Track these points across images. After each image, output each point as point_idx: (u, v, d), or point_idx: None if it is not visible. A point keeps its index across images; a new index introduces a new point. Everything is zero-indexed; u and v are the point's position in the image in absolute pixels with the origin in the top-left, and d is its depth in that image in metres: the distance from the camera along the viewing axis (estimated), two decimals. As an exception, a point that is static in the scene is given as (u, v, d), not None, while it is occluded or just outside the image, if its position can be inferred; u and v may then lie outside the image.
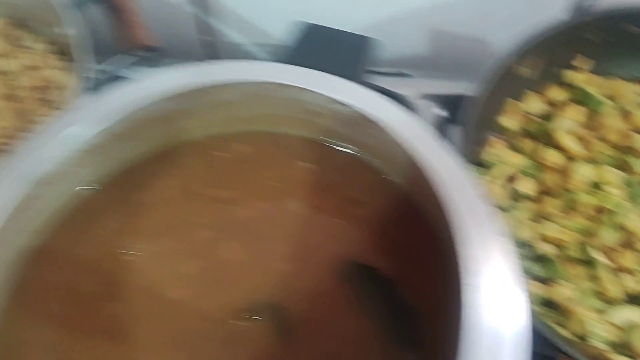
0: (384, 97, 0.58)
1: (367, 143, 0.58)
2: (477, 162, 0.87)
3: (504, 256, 0.48)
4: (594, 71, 0.91)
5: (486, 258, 0.47)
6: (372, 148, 0.57)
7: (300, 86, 0.62)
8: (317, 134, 0.70)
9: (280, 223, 0.69)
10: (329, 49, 0.76)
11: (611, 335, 0.71)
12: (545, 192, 0.82)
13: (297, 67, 0.61)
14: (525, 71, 0.88)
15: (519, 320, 0.44)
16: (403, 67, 1.12)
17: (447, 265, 0.48)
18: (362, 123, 0.56)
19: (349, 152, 0.71)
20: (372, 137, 0.56)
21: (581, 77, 0.89)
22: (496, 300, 0.44)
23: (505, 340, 0.43)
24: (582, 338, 0.71)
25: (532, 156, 0.85)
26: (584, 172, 0.79)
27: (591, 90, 0.86)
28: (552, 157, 0.82)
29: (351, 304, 0.64)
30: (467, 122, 0.75)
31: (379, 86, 1.01)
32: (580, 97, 0.87)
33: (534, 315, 0.71)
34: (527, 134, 0.88)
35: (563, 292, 0.73)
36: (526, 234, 0.78)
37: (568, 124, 0.84)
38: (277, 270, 0.66)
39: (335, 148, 0.72)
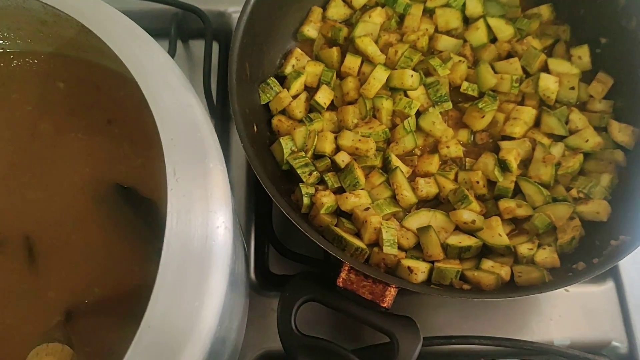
0: (100, 1, 0.61)
1: (103, 50, 0.61)
2: (281, 76, 0.92)
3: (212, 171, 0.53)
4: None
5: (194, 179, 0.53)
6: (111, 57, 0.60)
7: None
8: (63, 47, 0.72)
9: (33, 149, 0.72)
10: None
11: (405, 241, 0.79)
12: (348, 101, 0.89)
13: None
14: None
15: (215, 226, 0.51)
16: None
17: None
18: (87, 32, 0.59)
19: (101, 64, 0.73)
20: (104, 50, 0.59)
21: (386, -23, 0.96)
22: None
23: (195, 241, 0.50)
24: (377, 245, 0.78)
25: (332, 64, 0.91)
26: (380, 77, 0.87)
27: (394, -10, 0.93)
28: (350, 62, 0.89)
29: (106, 227, 0.68)
30: (236, 35, 0.81)
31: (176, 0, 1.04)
32: (385, 0, 0.94)
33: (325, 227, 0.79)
34: (332, 42, 0.94)
35: (359, 202, 0.80)
36: (325, 145, 0.84)
37: (369, 27, 0.92)
38: (29, 200, 0.70)
39: (88, 62, 0.74)
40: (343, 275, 0.73)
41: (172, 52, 1.04)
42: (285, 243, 0.92)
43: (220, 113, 1.03)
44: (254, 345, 0.87)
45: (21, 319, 0.64)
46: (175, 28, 1.06)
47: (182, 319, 0.49)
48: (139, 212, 0.69)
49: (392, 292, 0.72)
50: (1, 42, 0.74)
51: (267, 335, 0.88)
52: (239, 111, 0.81)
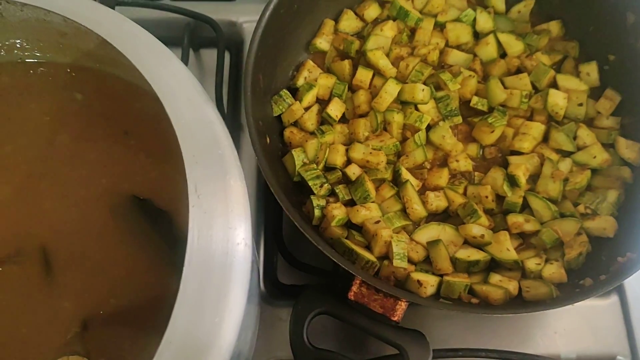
0: (123, 17, 0.62)
1: (123, 63, 0.62)
2: (294, 88, 0.93)
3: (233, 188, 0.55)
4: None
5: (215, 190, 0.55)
6: (130, 70, 0.61)
7: (44, 7, 0.64)
8: (81, 59, 0.73)
9: (50, 159, 0.73)
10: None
11: (415, 254, 0.80)
12: (359, 114, 0.90)
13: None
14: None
15: (236, 242, 0.53)
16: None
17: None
18: (107, 45, 0.60)
19: (119, 76, 0.74)
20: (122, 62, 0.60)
21: (398, -9, 0.97)
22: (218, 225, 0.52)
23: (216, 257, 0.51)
24: (387, 258, 0.79)
25: (344, 77, 0.92)
26: (391, 91, 0.88)
27: (405, 5, 0.94)
28: (361, 75, 0.90)
29: (123, 238, 0.69)
30: (252, 47, 0.82)
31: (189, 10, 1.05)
32: (396, 13, 0.95)
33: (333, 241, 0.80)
34: (343, 55, 0.95)
35: (369, 215, 0.81)
36: (336, 158, 0.85)
37: (381, 41, 0.93)
38: (46, 210, 0.71)
39: (106, 73, 0.75)
40: (354, 288, 0.74)
41: (184, 61, 1.05)
42: (294, 254, 0.92)
43: (231, 122, 1.04)
44: (263, 354, 0.88)
45: (37, 329, 0.65)
46: (188, 37, 1.07)
47: (202, 335, 0.50)
48: (155, 224, 0.70)
49: (402, 306, 0.73)
50: (20, 52, 0.74)
51: (276, 344, 0.89)
52: (254, 124, 0.82)
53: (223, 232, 0.54)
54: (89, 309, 0.66)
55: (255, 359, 0.87)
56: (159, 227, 0.71)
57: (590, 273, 0.80)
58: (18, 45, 0.73)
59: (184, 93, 0.60)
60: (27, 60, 0.75)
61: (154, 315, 0.57)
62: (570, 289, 0.79)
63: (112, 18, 0.63)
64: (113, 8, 0.73)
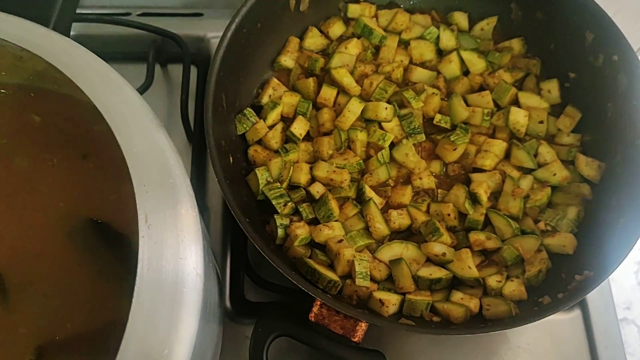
0: (75, 45, 0.62)
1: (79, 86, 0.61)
2: (258, 106, 0.93)
3: (184, 217, 0.55)
4: (380, 5, 1.00)
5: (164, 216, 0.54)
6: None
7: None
8: (38, 80, 0.72)
9: (7, 183, 0.72)
10: None
11: (377, 272, 0.81)
12: (323, 132, 0.90)
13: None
14: (305, 6, 0.95)
15: (186, 272, 0.53)
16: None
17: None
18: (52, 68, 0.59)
19: (77, 99, 0.74)
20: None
21: (362, 9, 0.97)
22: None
23: (166, 288, 0.51)
24: (350, 277, 0.80)
25: (309, 95, 0.92)
26: (355, 110, 0.88)
27: (370, 22, 0.95)
28: (326, 93, 0.90)
29: (80, 262, 0.68)
30: (213, 66, 0.82)
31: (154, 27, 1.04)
32: (361, 31, 0.95)
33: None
34: (308, 72, 0.95)
35: (332, 234, 0.82)
36: (300, 176, 0.85)
37: (346, 58, 0.93)
38: (1, 234, 0.69)
39: (64, 95, 0.74)
40: (315, 310, 0.74)
41: (150, 77, 1.04)
42: (260, 272, 0.92)
43: (198, 138, 1.04)
44: (228, 373, 0.88)
45: (-8, 355, 0.64)
46: (154, 53, 1.06)
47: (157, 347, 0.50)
48: (112, 248, 0.70)
49: (362, 327, 0.73)
50: (-24, 75, 0.74)
51: (241, 361, 0.89)
52: (215, 145, 0.81)
53: (173, 262, 0.54)
54: (45, 334, 0.65)
55: (219, 379, 0.86)
56: (116, 250, 0.70)
57: (550, 291, 0.81)
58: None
59: (135, 122, 0.60)
60: (-22, 81, 0.74)
61: (110, 340, 0.56)
62: (530, 307, 0.79)
63: (64, 46, 0.63)
64: (68, 33, 0.72)
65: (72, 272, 0.70)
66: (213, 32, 1.12)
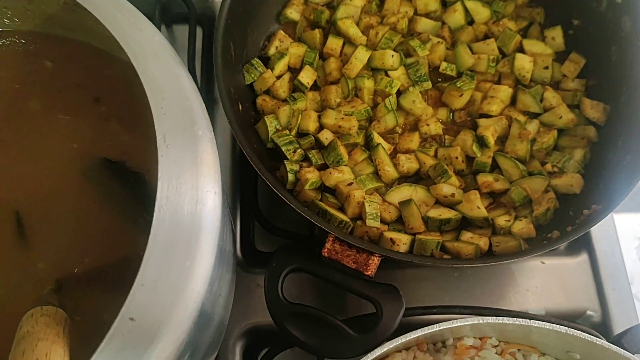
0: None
1: (92, 28, 0.62)
2: (265, 57, 0.94)
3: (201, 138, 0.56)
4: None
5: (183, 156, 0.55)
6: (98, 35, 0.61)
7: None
8: (49, 25, 0.73)
9: (21, 126, 0.73)
10: None
11: (387, 214, 0.82)
12: (330, 81, 0.91)
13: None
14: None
15: (205, 190, 0.54)
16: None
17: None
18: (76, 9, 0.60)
19: (89, 43, 0.74)
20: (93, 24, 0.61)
21: (366, -39, 0.98)
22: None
23: (186, 205, 0.53)
24: (360, 219, 0.81)
25: (315, 46, 0.93)
26: (361, 57, 0.89)
27: (374, -26, 0.95)
28: (332, 44, 0.91)
29: (96, 200, 0.69)
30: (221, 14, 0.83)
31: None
32: (365, -18, 0.96)
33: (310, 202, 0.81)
34: (314, 24, 0.96)
35: (342, 177, 0.83)
36: (309, 124, 0.86)
37: (351, 10, 0.94)
38: (18, 175, 0.71)
39: (76, 41, 0.75)
40: (328, 245, 0.75)
41: (156, 36, 1.04)
42: (270, 220, 0.93)
43: (205, 96, 1.04)
44: (241, 319, 0.88)
45: (12, 289, 0.65)
46: (160, 12, 1.07)
47: (174, 278, 0.51)
48: (127, 186, 0.71)
49: (375, 261, 0.74)
50: (-12, 21, 0.74)
51: (254, 310, 0.89)
52: (225, 90, 0.82)
53: (192, 181, 0.55)
54: (63, 268, 0.66)
55: (233, 323, 0.87)
56: (131, 188, 0.71)
57: (559, 227, 0.82)
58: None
59: (151, 48, 0.60)
60: (-8, 26, 0.75)
61: (127, 273, 0.57)
62: (539, 242, 0.81)
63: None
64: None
65: (88, 209, 0.71)
66: (217, -8, 1.13)
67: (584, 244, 0.96)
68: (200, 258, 0.53)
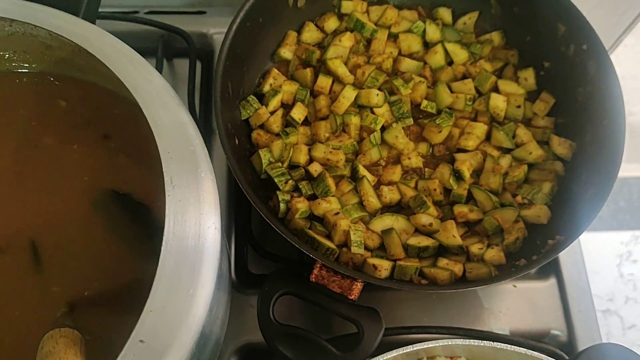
0: (103, 31, 0.70)
1: (102, 72, 0.69)
2: (260, 94, 1.01)
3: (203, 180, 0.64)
4: (371, 1, 1.09)
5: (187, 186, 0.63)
6: (110, 78, 0.68)
7: (31, 22, 0.71)
8: (64, 68, 0.80)
9: (37, 160, 0.80)
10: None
11: (371, 242, 0.89)
12: (320, 117, 0.98)
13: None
14: (302, 3, 1.04)
15: (207, 226, 0.62)
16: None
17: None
18: (89, 56, 0.67)
19: (100, 85, 0.81)
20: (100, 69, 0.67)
21: (355, 5, 1.06)
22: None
23: (190, 238, 0.60)
24: (346, 246, 0.88)
25: (307, 84, 1.00)
26: (349, 96, 0.97)
27: (362, 17, 1.03)
28: (322, 82, 0.99)
29: (105, 228, 0.76)
30: (220, 56, 0.91)
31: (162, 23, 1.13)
32: (354, 25, 1.04)
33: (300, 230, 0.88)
34: (305, 63, 1.03)
35: (330, 207, 0.90)
36: (300, 156, 0.93)
37: (340, 50, 1.02)
38: (33, 205, 0.78)
39: (88, 82, 0.82)
40: (315, 271, 0.82)
41: (159, 69, 1.12)
42: (263, 245, 1.00)
43: (203, 127, 1.12)
44: (235, 337, 0.95)
45: (28, 311, 0.72)
46: (162, 48, 1.14)
47: (179, 305, 0.58)
48: (134, 216, 0.77)
49: (358, 286, 0.81)
50: (8, 64, 0.81)
51: (246, 328, 0.96)
52: (223, 125, 0.89)
53: (195, 218, 0.62)
54: (76, 291, 0.73)
55: (227, 340, 0.94)
56: (138, 218, 0.78)
57: (526, 255, 0.89)
58: (7, 57, 0.80)
59: (159, 98, 0.68)
60: (14, 70, 0.82)
61: (134, 296, 0.63)
62: (507, 269, 0.88)
63: (94, 32, 0.71)
64: (94, 22, 0.80)
65: (98, 237, 0.78)
66: (216, 28, 1.20)
67: (552, 269, 1.04)
68: (202, 287, 0.60)
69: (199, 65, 1.18)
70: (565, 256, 1.05)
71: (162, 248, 0.59)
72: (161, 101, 0.66)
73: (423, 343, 0.70)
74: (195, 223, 0.61)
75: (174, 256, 0.59)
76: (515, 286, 1.02)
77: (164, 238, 0.59)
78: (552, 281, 1.03)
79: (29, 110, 0.82)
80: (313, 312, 0.95)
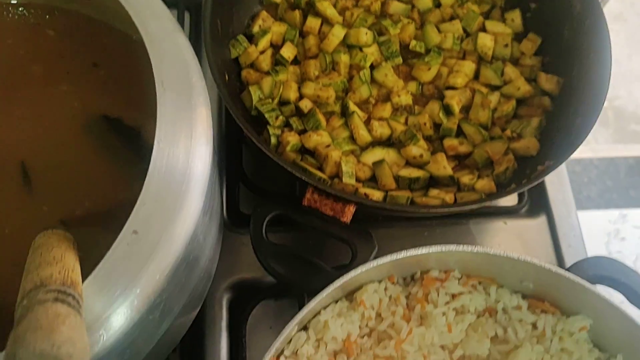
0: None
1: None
2: (249, 35, 1.01)
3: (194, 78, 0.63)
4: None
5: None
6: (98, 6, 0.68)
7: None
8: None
9: (26, 87, 0.79)
10: None
11: (362, 173, 0.89)
12: (309, 56, 0.98)
13: None
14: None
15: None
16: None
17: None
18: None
19: (90, 16, 0.81)
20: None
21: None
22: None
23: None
24: (337, 177, 0.88)
25: (296, 25, 1.01)
26: (338, 34, 0.97)
27: (349, -40, 1.04)
28: (311, 23, 0.99)
29: (95, 151, 0.76)
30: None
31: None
32: (341, -32, 1.04)
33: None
34: (294, 6, 1.04)
35: (321, 139, 0.90)
36: (290, 93, 0.93)
37: (328, -8, 1.02)
38: (23, 130, 0.77)
39: (78, 13, 0.82)
40: (307, 195, 0.82)
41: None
42: (254, 182, 1.00)
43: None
44: (227, 275, 0.95)
45: (19, 228, 0.71)
46: (150, -2, 1.14)
47: (170, 201, 0.58)
48: (124, 139, 0.77)
49: (350, 209, 0.81)
50: (-3, -6, 0.81)
51: (238, 266, 0.95)
52: (213, 61, 0.89)
53: (187, 120, 0.62)
54: (66, 211, 0.72)
55: (219, 278, 0.93)
56: (128, 141, 0.78)
57: (516, 182, 0.91)
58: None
59: (150, 9, 0.68)
60: (2, 1, 0.82)
61: (124, 214, 0.63)
62: (497, 195, 0.89)
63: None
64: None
65: (88, 159, 0.77)
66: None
67: (543, 207, 1.04)
68: (193, 185, 0.60)
69: (187, 16, 1.18)
70: (554, 194, 1.06)
71: (154, 150, 0.59)
72: (152, 11, 0.66)
73: (415, 249, 0.70)
74: (187, 125, 0.61)
75: (166, 156, 0.59)
76: (505, 223, 1.02)
77: (155, 138, 0.59)
78: (542, 218, 1.04)
79: (17, 40, 0.82)
80: (306, 245, 0.95)
